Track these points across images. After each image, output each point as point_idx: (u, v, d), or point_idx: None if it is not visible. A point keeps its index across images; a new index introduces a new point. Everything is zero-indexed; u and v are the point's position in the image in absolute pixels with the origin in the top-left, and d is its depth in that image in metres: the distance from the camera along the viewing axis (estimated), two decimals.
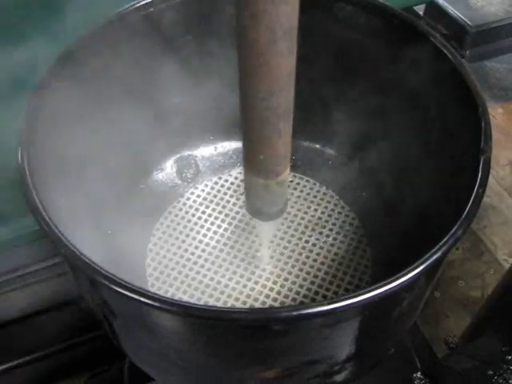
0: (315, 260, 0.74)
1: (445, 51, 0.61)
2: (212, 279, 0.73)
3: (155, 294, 0.40)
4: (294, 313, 0.39)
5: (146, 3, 0.66)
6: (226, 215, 0.79)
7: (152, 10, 0.67)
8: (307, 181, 0.82)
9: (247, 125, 0.47)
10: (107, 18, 0.65)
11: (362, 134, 0.76)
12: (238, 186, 0.82)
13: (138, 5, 0.66)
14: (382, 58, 0.69)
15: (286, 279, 0.73)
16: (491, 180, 1.17)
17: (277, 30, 0.38)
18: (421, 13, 1.51)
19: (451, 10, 1.43)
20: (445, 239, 0.45)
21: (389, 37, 0.67)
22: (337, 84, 0.74)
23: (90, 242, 0.51)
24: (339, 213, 0.79)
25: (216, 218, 0.79)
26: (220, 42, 0.71)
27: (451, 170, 0.60)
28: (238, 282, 0.72)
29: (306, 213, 0.79)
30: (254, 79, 0.41)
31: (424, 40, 0.63)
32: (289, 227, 0.77)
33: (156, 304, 0.39)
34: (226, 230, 0.78)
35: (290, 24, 0.38)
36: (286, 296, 0.71)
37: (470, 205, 0.49)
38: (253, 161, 0.51)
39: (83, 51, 0.62)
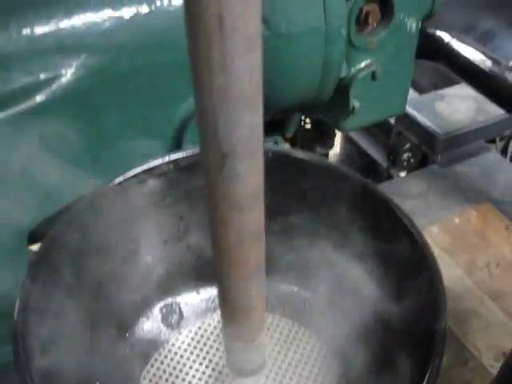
0: None
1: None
2: None
3: None
4: None
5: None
6: (210, 361, 0.82)
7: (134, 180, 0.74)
8: (285, 322, 0.86)
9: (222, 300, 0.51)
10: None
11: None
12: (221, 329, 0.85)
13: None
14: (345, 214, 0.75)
15: None
16: (471, 284, 1.21)
17: (244, 234, 0.43)
18: (392, 121, 1.59)
19: (421, 118, 1.52)
20: None
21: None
22: (310, 234, 0.80)
23: None
24: (318, 352, 0.82)
25: (200, 364, 0.82)
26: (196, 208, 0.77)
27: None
28: None
29: (285, 355, 0.82)
30: (225, 267, 0.46)
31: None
32: (270, 371, 0.80)
33: None
34: (209, 376, 0.81)
35: (256, 228, 0.44)
36: None
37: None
38: (229, 328, 0.55)
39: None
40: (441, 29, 1.80)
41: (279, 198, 0.72)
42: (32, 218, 0.79)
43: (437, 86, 1.83)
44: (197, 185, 0.74)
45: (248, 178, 0.38)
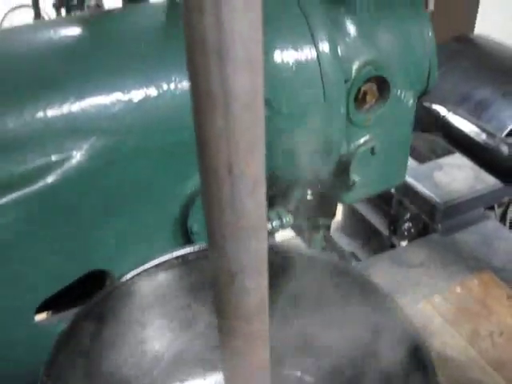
0: None
1: None
2: None
3: None
4: None
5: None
6: None
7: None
8: None
9: None
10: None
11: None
12: None
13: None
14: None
15: None
16: (474, 354, 1.20)
17: (250, 339, 0.45)
18: (392, 190, 1.62)
19: (420, 188, 1.55)
20: None
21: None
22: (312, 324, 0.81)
23: None
24: None
25: None
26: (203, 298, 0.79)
27: None
28: None
29: None
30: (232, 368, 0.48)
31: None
32: None
33: None
34: None
35: (262, 333, 0.45)
36: None
37: None
38: None
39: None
40: (437, 100, 1.85)
41: (283, 292, 0.74)
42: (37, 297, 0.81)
43: (436, 153, 1.88)
44: (203, 277, 0.76)
45: (255, 291, 0.41)
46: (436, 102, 1.64)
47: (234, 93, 0.29)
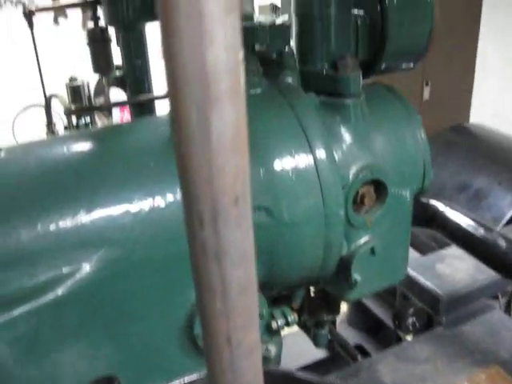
0: None
1: None
2: None
3: None
4: None
5: None
6: None
7: None
8: None
9: None
10: None
11: None
12: None
13: None
14: None
15: None
16: None
17: None
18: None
19: (423, 281, 1.57)
20: None
21: None
22: None
23: None
24: None
25: None
26: None
27: None
28: None
29: None
30: None
31: None
32: None
33: None
34: None
35: None
36: None
37: None
38: None
39: None
40: (435, 189, 1.90)
41: None
42: None
43: (437, 244, 1.90)
44: None
45: None
46: (434, 192, 1.68)
47: (230, 284, 0.34)
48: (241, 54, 0.30)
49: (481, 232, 1.30)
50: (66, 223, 0.83)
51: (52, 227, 0.82)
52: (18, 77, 3.78)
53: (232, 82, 0.29)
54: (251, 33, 0.97)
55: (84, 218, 0.84)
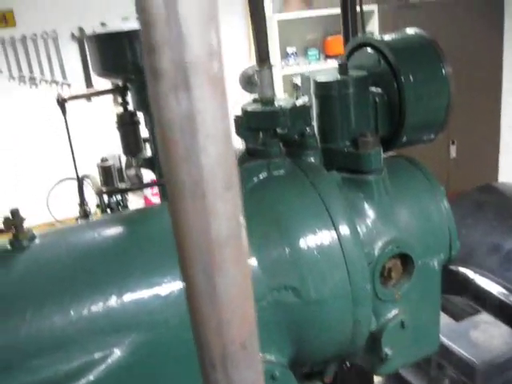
0: None
1: None
2: None
3: None
4: None
5: None
6: None
7: None
8: None
9: None
10: None
11: None
12: None
13: None
14: None
15: None
16: None
17: None
18: None
19: (457, 349, 1.54)
20: None
21: None
22: None
23: None
24: None
25: None
26: None
27: None
28: None
29: None
30: None
31: None
32: None
33: None
34: None
35: None
36: None
37: None
38: None
39: None
40: (465, 252, 1.88)
41: None
42: None
43: (470, 311, 1.87)
44: None
45: None
46: (465, 255, 1.67)
47: None
48: (242, 221, 0.33)
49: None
50: (98, 309, 0.85)
51: (84, 313, 0.84)
52: (52, 151, 3.91)
53: (234, 247, 0.32)
54: (273, 117, 1.01)
55: (115, 303, 0.86)
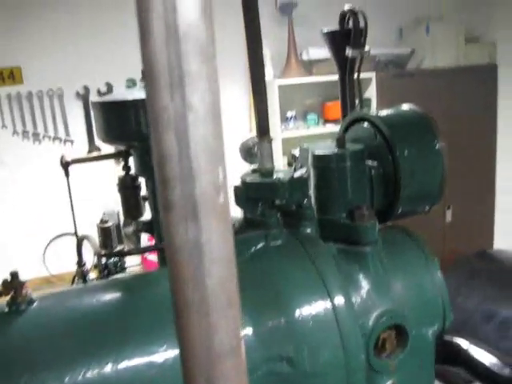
0: None
1: None
2: None
3: None
4: None
5: None
6: None
7: None
8: None
9: None
10: None
11: None
12: None
13: None
14: None
15: None
16: None
17: None
18: None
19: None
20: None
21: None
22: None
23: None
24: None
25: None
26: None
27: None
28: None
29: None
30: None
31: None
32: None
33: None
34: None
35: None
36: None
37: None
38: None
39: None
40: (460, 319, 1.88)
41: None
42: None
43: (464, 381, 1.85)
44: None
45: None
46: (460, 323, 1.66)
47: None
48: (241, 335, 0.35)
49: (506, 372, 1.28)
50: (94, 376, 0.85)
51: (79, 381, 0.84)
52: (51, 206, 3.94)
53: (234, 359, 0.34)
54: (271, 189, 1.04)
55: (111, 371, 0.86)
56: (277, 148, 4.08)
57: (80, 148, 4.09)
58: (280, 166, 4.07)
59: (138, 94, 1.21)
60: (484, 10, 4.74)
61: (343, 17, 1.42)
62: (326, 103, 4.41)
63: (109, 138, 1.26)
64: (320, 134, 4.33)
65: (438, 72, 4.50)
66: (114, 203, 3.57)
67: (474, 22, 4.83)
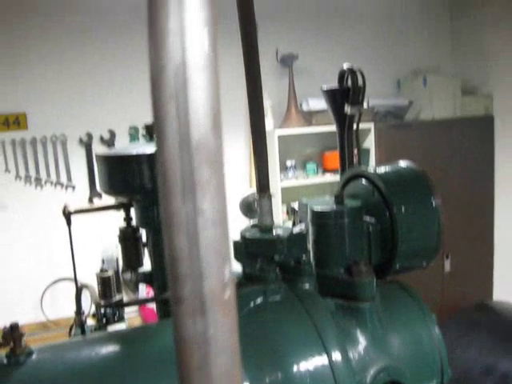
0: None
1: None
2: None
3: None
4: None
5: None
6: None
7: None
8: None
9: None
10: None
11: None
12: None
13: None
14: None
15: None
16: None
17: None
18: None
19: None
20: None
21: None
22: None
23: None
24: None
25: None
26: None
27: None
28: None
29: None
30: None
31: None
32: None
33: None
34: None
35: None
36: None
37: None
38: None
39: None
40: (460, 371, 1.87)
41: None
42: None
43: None
44: None
45: None
46: (459, 376, 1.66)
47: None
48: None
49: None
50: None
51: None
52: (50, 251, 3.94)
53: None
54: (271, 245, 1.06)
55: None
56: (276, 197, 4.11)
57: (81, 194, 4.12)
58: (279, 214, 4.10)
59: (141, 148, 1.24)
60: (480, 62, 4.85)
61: (342, 75, 1.47)
62: (326, 153, 4.46)
63: (112, 191, 1.28)
64: (319, 183, 4.37)
65: (436, 123, 4.57)
66: (114, 247, 3.59)
67: (470, 74, 4.93)
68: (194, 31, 0.31)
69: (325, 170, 4.49)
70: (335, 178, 3.99)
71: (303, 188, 4.38)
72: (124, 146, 1.31)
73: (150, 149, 1.21)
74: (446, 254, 4.60)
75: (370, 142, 4.33)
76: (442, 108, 4.61)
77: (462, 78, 4.77)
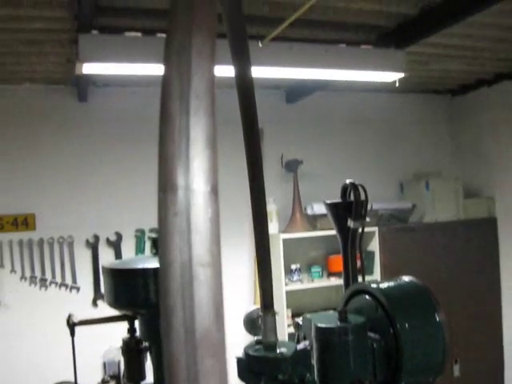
0: None
1: None
2: None
3: None
4: None
5: None
6: None
7: None
8: None
9: None
10: None
11: None
12: None
13: None
14: None
15: None
16: None
17: None
18: None
19: None
20: None
21: None
22: None
23: None
24: None
25: None
26: None
27: None
28: None
29: None
30: None
31: None
32: None
33: None
34: None
35: None
36: None
37: None
38: None
39: None
40: None
41: None
42: None
43: None
44: None
45: None
46: None
47: None
48: None
49: None
50: None
51: None
52: (50, 352, 3.87)
53: None
54: (275, 364, 1.06)
55: None
56: (281, 301, 4.08)
57: (86, 295, 4.10)
58: (284, 320, 4.03)
59: (148, 262, 1.26)
60: (481, 165, 4.94)
61: (345, 189, 1.51)
62: (330, 256, 4.46)
63: (117, 304, 1.29)
64: (324, 286, 4.34)
65: (439, 226, 4.60)
66: (115, 350, 3.50)
67: (471, 177, 5.02)
68: (199, 229, 0.34)
69: (330, 274, 4.47)
70: (340, 281, 3.96)
71: (308, 291, 4.35)
72: (130, 258, 1.34)
73: (155, 263, 1.23)
74: (455, 358, 4.48)
75: (374, 245, 4.34)
76: (445, 211, 4.65)
77: (463, 181, 4.84)
